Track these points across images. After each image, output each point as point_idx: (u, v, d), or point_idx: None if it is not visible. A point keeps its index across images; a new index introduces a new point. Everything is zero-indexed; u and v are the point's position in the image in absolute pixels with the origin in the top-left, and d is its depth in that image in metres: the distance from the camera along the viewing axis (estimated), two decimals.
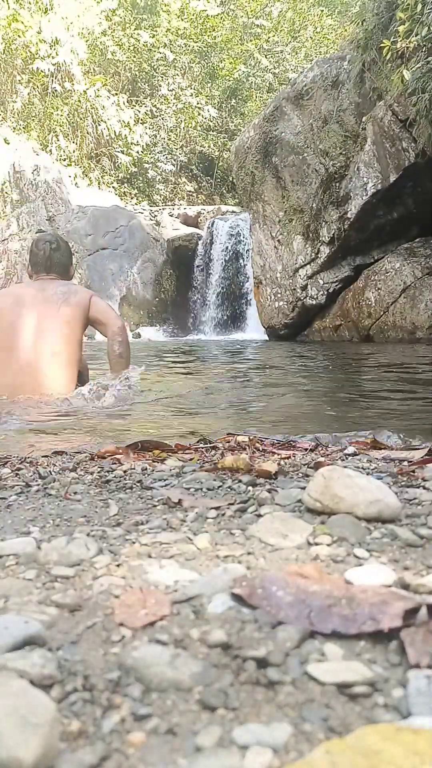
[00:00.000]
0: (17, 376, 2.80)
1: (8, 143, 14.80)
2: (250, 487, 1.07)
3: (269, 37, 19.31)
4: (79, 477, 1.24)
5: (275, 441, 1.54)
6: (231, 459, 1.21)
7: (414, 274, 7.86)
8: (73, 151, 16.64)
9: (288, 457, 1.32)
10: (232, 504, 0.98)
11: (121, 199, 16.36)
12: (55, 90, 16.50)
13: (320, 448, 1.44)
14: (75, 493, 1.11)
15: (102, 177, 17.06)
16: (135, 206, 15.88)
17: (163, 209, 15.36)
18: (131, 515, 0.96)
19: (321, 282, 8.96)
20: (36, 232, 12.36)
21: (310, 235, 8.91)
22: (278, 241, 9.43)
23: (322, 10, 19.78)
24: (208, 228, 13.31)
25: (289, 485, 1.06)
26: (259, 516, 0.92)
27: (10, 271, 12.92)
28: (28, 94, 16.57)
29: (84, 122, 16.67)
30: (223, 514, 0.94)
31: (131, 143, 17.10)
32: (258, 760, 0.41)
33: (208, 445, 1.51)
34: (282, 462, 1.26)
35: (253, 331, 11.17)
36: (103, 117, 16.70)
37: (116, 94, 17.32)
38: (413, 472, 1.15)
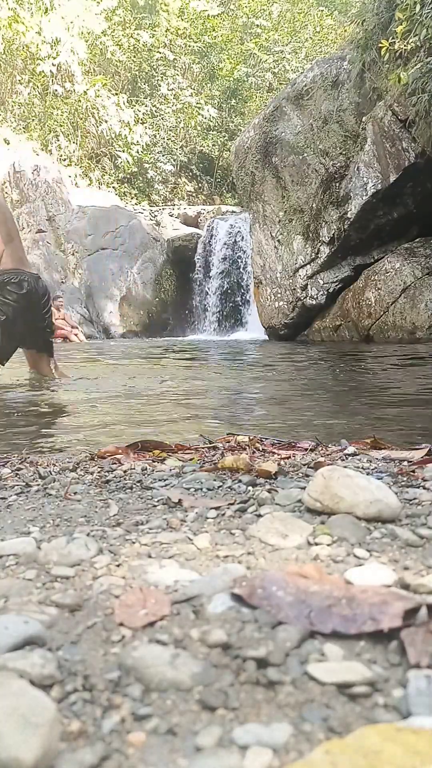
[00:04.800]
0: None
1: (8, 143, 14.79)
2: (250, 487, 1.07)
3: (269, 37, 19.29)
4: (79, 477, 1.24)
5: (275, 441, 1.54)
6: (231, 459, 1.21)
7: (414, 274, 7.86)
8: (74, 152, 16.61)
9: (288, 457, 1.32)
10: (232, 504, 0.98)
11: (121, 199, 16.34)
12: (56, 90, 16.48)
13: (320, 448, 1.44)
14: (75, 493, 1.11)
15: (102, 177, 17.04)
16: (135, 206, 15.86)
17: (163, 209, 15.34)
18: (131, 515, 0.96)
19: (321, 282, 8.95)
20: (36, 232, 12.35)
21: (310, 235, 8.90)
22: (278, 241, 9.42)
23: (322, 10, 19.77)
24: (208, 228, 13.29)
25: (289, 485, 1.06)
26: (259, 516, 0.92)
27: None
28: (29, 94, 16.54)
29: (84, 122, 16.65)
30: (223, 514, 0.94)
31: (131, 143, 17.07)
32: (258, 760, 0.41)
33: (208, 445, 1.51)
34: (282, 462, 1.26)
35: (253, 331, 11.14)
36: (103, 117, 16.67)
37: (116, 94, 17.29)
38: (413, 472, 1.15)
